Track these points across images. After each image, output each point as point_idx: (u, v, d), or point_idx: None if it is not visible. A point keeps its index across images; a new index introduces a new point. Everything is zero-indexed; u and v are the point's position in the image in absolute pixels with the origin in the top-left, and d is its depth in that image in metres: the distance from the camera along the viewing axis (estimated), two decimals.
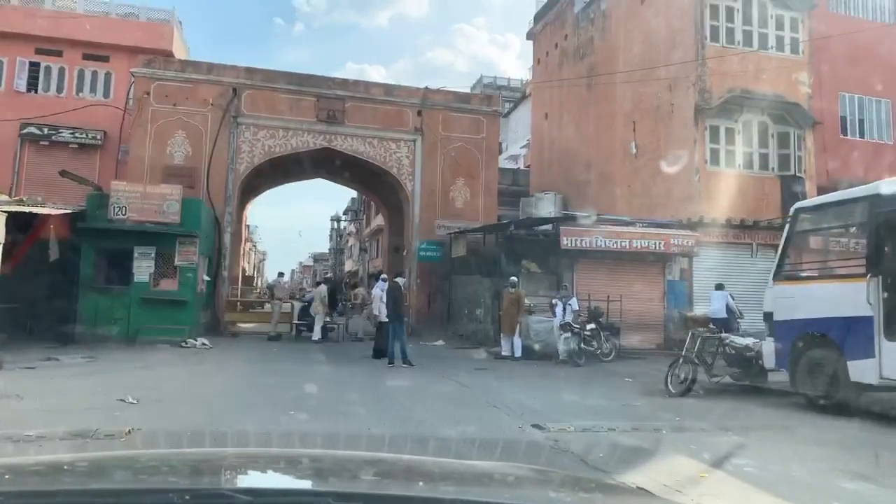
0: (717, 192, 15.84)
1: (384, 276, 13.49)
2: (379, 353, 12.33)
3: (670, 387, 9.11)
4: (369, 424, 5.87)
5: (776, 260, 8.90)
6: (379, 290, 12.89)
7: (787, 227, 8.92)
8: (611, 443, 6.03)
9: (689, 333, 9.49)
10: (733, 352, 9.47)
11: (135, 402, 7.21)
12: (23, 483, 1.40)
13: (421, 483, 1.60)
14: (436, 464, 2.04)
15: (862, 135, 18.87)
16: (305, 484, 1.61)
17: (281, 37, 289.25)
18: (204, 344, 14.19)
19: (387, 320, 12.14)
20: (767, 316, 8.80)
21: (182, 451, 2.44)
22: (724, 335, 9.58)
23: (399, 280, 12.83)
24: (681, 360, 9.17)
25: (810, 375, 8.01)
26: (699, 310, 15.12)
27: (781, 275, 8.67)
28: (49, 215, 13.67)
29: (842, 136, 18.39)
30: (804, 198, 16.21)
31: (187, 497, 1.18)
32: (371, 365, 11.90)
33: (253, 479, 1.62)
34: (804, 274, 8.87)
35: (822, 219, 9.07)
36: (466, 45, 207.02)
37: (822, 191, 16.17)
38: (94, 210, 14.54)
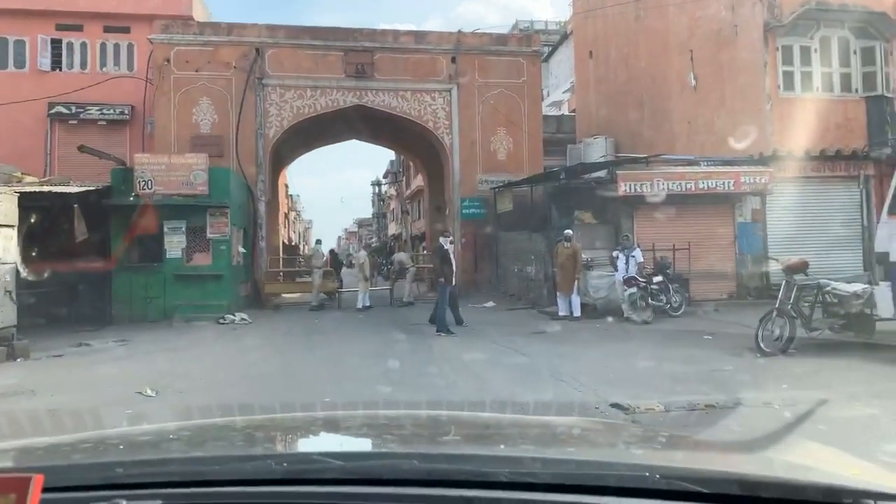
0: (793, 121, 14.04)
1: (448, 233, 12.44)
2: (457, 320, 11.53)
3: (762, 345, 7.83)
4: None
5: (892, 189, 7.41)
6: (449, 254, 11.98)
7: None
8: (713, 424, 4.89)
9: (784, 282, 8.13)
10: (836, 301, 8.10)
11: (153, 394, 6.42)
12: (136, 452, 1.48)
13: (502, 445, 1.60)
14: (516, 422, 2.11)
15: None
16: (390, 446, 1.61)
17: (307, 2, 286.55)
18: (243, 319, 13.54)
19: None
20: (882, 256, 7.38)
21: (273, 417, 2.53)
22: (824, 281, 8.20)
23: (443, 241, 11.92)
24: (774, 314, 7.86)
25: None
26: (776, 253, 13.55)
27: None
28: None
29: None
30: (894, 120, 14.35)
31: (285, 464, 1.25)
32: (417, 334, 10.97)
33: (342, 443, 1.70)
34: None
35: None
36: None
37: None
38: (119, 186, 13.87)
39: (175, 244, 14.04)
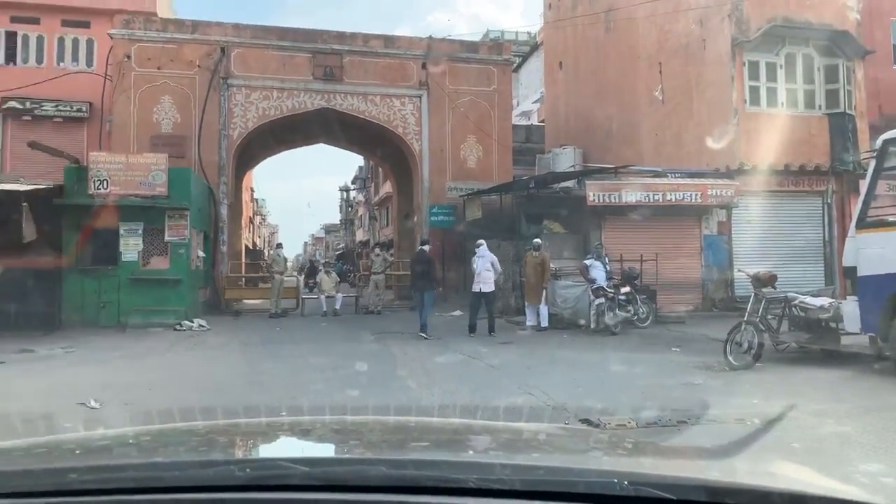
0: (759, 136, 14.24)
1: (480, 241, 12.09)
2: (473, 327, 11.36)
3: (731, 358, 7.76)
4: None
5: (859, 204, 7.42)
6: (478, 258, 11.73)
7: (873, 164, 7.38)
8: (688, 444, 4.71)
9: (753, 294, 8.10)
10: (803, 314, 8.11)
11: (97, 406, 6.01)
12: (93, 458, 1.42)
13: (471, 451, 1.60)
14: (486, 427, 2.07)
15: None
16: (357, 452, 1.59)
17: (277, 8, 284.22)
18: (201, 326, 13.05)
19: (487, 290, 11.43)
20: (849, 271, 7.38)
21: (236, 422, 2.42)
22: (791, 295, 8.19)
23: (426, 248, 12.23)
24: (743, 326, 7.80)
25: None
26: (741, 266, 13.63)
27: (867, 221, 7.21)
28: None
29: (895, 68, 16.55)
30: (855, 137, 14.63)
31: (248, 470, 1.22)
32: (380, 343, 10.68)
33: (307, 449, 1.68)
34: None
35: None
36: (467, 6, 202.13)
37: (873, 129, 14.54)
38: (73, 185, 13.27)
39: (131, 246, 13.49)
